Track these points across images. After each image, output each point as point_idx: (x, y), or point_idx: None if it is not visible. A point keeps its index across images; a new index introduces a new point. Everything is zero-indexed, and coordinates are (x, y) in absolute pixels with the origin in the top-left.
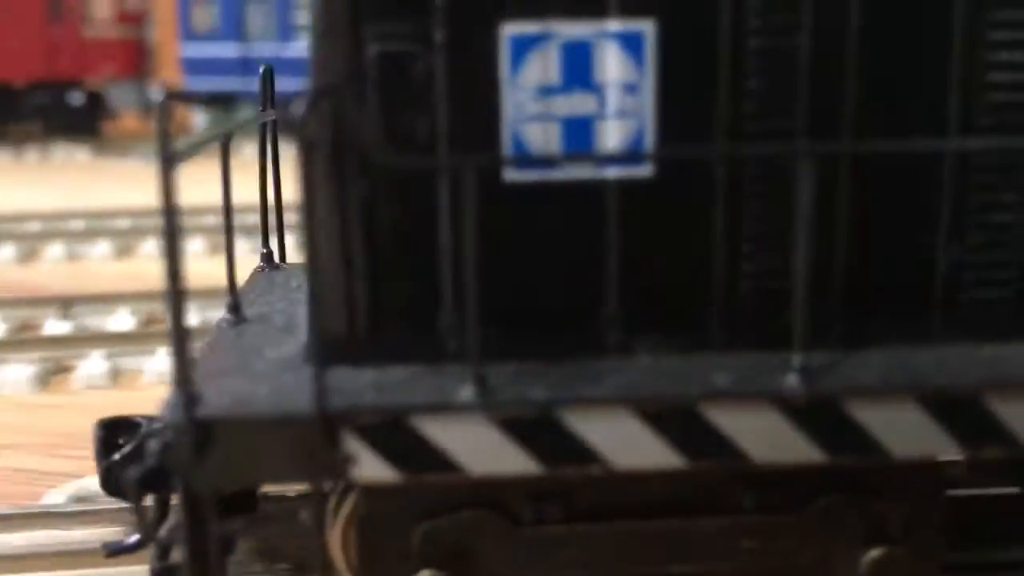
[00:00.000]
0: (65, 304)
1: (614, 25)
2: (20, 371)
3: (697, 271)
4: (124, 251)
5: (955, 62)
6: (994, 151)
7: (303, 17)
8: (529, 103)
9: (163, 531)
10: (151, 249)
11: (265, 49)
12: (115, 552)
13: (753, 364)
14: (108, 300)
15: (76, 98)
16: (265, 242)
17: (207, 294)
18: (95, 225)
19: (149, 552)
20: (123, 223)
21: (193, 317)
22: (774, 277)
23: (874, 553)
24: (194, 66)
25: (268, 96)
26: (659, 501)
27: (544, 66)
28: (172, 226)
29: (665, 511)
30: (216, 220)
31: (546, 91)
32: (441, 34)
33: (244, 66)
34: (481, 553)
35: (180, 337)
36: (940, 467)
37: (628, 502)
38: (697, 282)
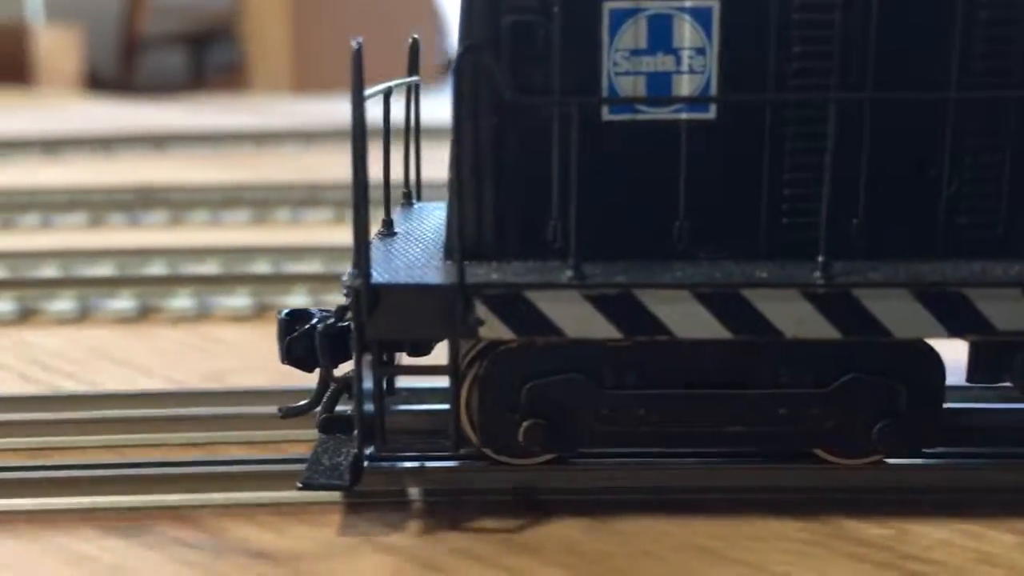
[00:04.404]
0: None
1: (689, 3)
2: None
3: (749, 194)
4: None
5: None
6: (979, 103)
7: None
8: (623, 61)
9: (328, 392)
10: None
11: None
12: (289, 414)
13: (789, 266)
14: None
15: None
16: (406, 184)
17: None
18: None
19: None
20: None
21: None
22: (807, 200)
23: (883, 423)
24: None
25: (414, 64)
26: (714, 376)
27: (635, 34)
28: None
29: (718, 384)
30: (344, 195)
31: (636, 52)
32: (558, 9)
33: None
34: (573, 408)
35: (360, 230)
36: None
37: (689, 375)
38: (748, 203)
